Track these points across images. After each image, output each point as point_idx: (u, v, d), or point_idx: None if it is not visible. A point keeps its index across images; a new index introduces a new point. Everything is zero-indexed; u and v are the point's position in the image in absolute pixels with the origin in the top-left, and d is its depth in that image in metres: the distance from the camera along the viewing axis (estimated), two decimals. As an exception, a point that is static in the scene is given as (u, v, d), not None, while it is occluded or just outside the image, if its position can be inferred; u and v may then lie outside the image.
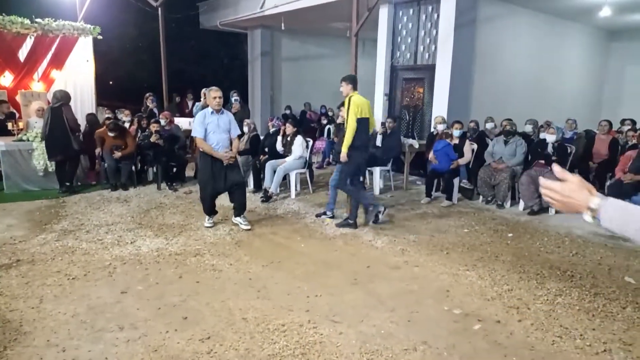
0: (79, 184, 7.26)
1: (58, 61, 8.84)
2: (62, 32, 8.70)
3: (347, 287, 3.83)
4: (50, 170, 6.90)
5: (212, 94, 5.15)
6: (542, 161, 6.14)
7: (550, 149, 6.17)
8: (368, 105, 5.33)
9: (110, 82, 15.06)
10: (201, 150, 5.17)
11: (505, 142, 6.54)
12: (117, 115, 8.51)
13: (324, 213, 5.87)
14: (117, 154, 6.96)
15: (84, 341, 2.91)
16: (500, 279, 4.03)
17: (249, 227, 5.30)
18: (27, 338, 2.93)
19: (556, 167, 1.33)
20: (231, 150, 5.27)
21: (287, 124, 7.12)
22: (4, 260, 4.21)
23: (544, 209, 6.14)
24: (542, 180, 1.32)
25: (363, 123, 5.16)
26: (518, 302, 3.59)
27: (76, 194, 6.82)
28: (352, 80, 5.40)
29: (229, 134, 5.26)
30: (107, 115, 8.40)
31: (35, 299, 3.46)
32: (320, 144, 9.84)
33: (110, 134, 7.01)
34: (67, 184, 6.83)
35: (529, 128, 7.32)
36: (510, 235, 5.30)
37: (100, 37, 9.24)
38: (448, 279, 4.04)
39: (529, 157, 6.44)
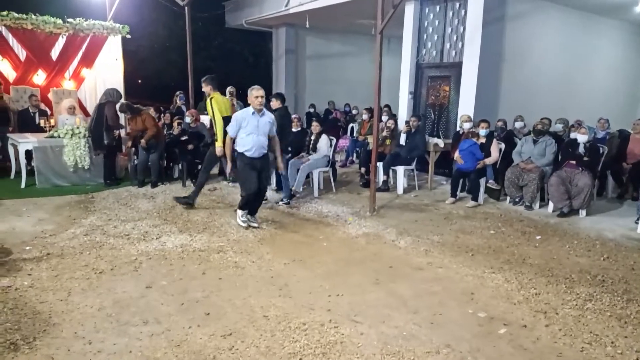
0: (119, 178, 7.56)
1: (88, 60, 9.07)
2: (92, 32, 8.93)
3: (369, 287, 3.80)
4: (80, 166, 7.07)
5: (254, 93, 4.94)
6: (573, 162, 5.96)
7: (581, 149, 5.98)
8: (229, 103, 6.07)
9: (139, 81, 15.37)
10: (239, 150, 5.06)
11: (535, 142, 6.38)
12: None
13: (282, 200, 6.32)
14: (143, 142, 7.01)
15: (109, 334, 2.97)
16: (528, 283, 3.92)
17: (256, 225, 5.29)
18: (55, 329, 3.00)
19: None
20: (273, 153, 5.34)
21: (313, 123, 7.10)
22: (35, 253, 4.34)
23: (574, 210, 5.96)
24: None
25: (226, 121, 5.51)
26: (546, 307, 3.49)
27: (117, 187, 7.13)
28: (212, 81, 5.80)
29: (268, 135, 5.15)
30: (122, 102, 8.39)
31: (64, 292, 3.55)
32: (344, 143, 9.80)
33: (126, 115, 7.09)
34: (111, 178, 7.28)
35: (559, 127, 7.11)
36: (538, 237, 5.16)
37: (129, 36, 9.43)
38: (473, 281, 3.96)
39: (559, 158, 6.26)
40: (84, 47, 8.94)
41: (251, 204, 5.30)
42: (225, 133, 5.35)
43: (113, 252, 4.45)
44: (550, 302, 3.57)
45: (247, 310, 3.34)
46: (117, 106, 7.20)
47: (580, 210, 5.94)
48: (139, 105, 7.65)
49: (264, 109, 5.07)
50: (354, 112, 11.28)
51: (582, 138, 5.99)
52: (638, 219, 5.46)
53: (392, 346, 2.91)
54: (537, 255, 4.61)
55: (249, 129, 4.97)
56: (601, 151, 6.17)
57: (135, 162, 7.29)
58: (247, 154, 5.02)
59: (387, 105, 9.91)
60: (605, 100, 10.20)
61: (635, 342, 3.00)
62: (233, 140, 5.11)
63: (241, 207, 5.29)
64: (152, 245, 4.67)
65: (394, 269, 4.21)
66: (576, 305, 3.52)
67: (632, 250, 4.76)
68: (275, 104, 6.41)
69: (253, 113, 4.97)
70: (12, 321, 3.08)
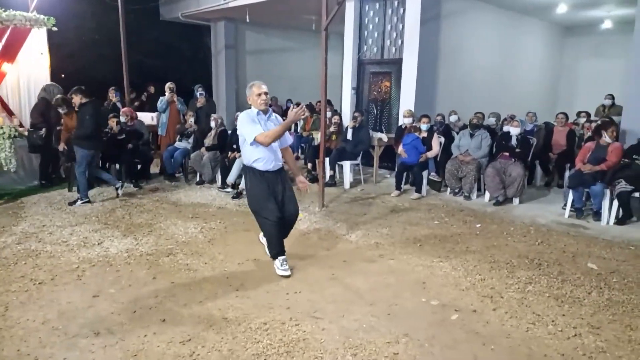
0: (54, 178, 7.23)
1: (10, 54, 8.34)
2: (12, 23, 8.22)
3: (326, 283, 3.84)
4: (5, 169, 6.54)
5: (255, 90, 3.76)
6: (507, 153, 6.34)
7: (514, 141, 6.38)
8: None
9: (63, 75, 14.39)
10: (246, 164, 3.90)
11: (471, 135, 6.72)
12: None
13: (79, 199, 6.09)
14: (62, 145, 6.64)
15: (58, 349, 2.79)
16: (473, 269, 4.15)
17: (288, 274, 3.92)
18: (-6, 349, 2.77)
19: None
20: (288, 164, 4.15)
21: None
22: (-39, 267, 3.97)
23: (508, 199, 6.36)
24: None
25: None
26: (491, 292, 3.71)
27: (49, 190, 6.77)
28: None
29: (279, 143, 3.92)
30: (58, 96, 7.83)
31: (0, 307, 3.28)
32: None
33: (61, 111, 6.62)
34: (46, 178, 7.01)
35: (492, 121, 7.55)
36: (478, 225, 5.46)
37: (55, 28, 8.80)
38: (423, 271, 4.12)
39: (494, 150, 6.65)
40: (3, 39, 8.22)
41: (277, 236, 3.90)
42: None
43: (52, 260, 4.17)
44: (495, 287, 3.80)
45: (205, 314, 3.26)
46: (53, 100, 6.73)
47: (514, 199, 6.35)
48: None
49: (270, 110, 3.93)
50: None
51: (514, 131, 6.39)
52: (564, 205, 5.92)
53: (353, 339, 2.96)
54: (479, 243, 4.88)
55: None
56: (531, 142, 6.61)
57: (67, 163, 6.84)
58: (258, 166, 3.81)
59: (328, 101, 10.00)
60: (530, 95, 10.96)
61: (572, 320, 3.27)
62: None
63: (273, 254, 3.97)
64: (95, 251, 4.43)
65: (348, 263, 4.28)
66: (518, 288, 3.77)
67: (562, 234, 5.17)
68: (77, 99, 6.04)
69: (258, 114, 3.79)
70: (-58, 343, 2.81)
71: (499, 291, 3.72)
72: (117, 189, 6.42)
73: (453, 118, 8.05)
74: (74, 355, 2.73)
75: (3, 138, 6.46)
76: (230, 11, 10.95)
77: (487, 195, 6.51)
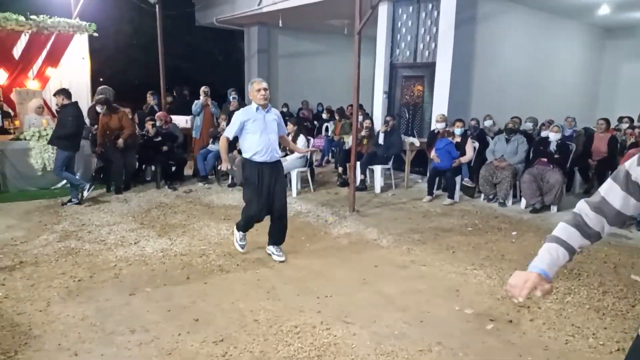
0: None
1: (53, 59, 8.72)
2: (57, 29, 8.57)
3: (357, 287, 3.82)
4: (48, 169, 6.79)
5: (256, 86, 4.07)
6: (545, 159, 6.16)
7: (552, 147, 6.19)
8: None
9: (101, 79, 14.90)
10: (246, 157, 4.21)
11: (507, 140, 6.56)
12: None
13: (70, 200, 6.19)
14: (120, 142, 6.74)
15: (96, 344, 2.87)
16: (509, 278, 4.02)
17: (283, 259, 4.32)
18: (37, 342, 2.88)
19: None
20: (292, 152, 4.60)
21: (288, 123, 7.07)
22: (6, 262, 4.14)
23: (545, 206, 6.17)
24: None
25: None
26: (528, 302, 3.60)
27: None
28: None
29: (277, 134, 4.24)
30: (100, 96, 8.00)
31: (43, 302, 3.41)
32: (319, 142, 9.81)
33: (99, 110, 6.83)
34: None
35: (529, 126, 7.36)
36: (514, 233, 5.32)
37: (96, 34, 9.12)
38: (457, 278, 4.04)
39: (531, 155, 6.47)
40: (48, 45, 8.58)
41: (251, 224, 4.35)
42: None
43: (90, 258, 4.30)
44: (532, 297, 3.65)
45: (237, 315, 3.29)
46: (96, 98, 6.97)
47: (551, 206, 6.15)
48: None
49: (270, 105, 4.23)
50: (324, 115, 11.09)
51: (554, 136, 6.20)
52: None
53: (385, 346, 2.93)
54: (515, 251, 4.75)
55: (255, 128, 4.07)
56: (570, 148, 6.40)
57: (101, 164, 7.05)
58: (257, 158, 4.11)
59: (359, 105, 9.97)
60: (568, 99, 10.61)
61: (615, 333, 3.13)
62: (228, 142, 4.27)
63: (238, 227, 4.39)
64: (131, 250, 4.55)
65: (379, 268, 4.25)
66: (556, 299, 3.65)
67: (602, 244, 4.97)
68: (59, 100, 6.14)
69: (257, 109, 4.12)
70: (-11, 335, 2.94)
71: (536, 301, 3.60)
72: (82, 191, 6.27)
73: (488, 123, 7.87)
74: (110, 352, 2.80)
75: (46, 139, 6.71)
76: (264, 16, 11.09)
77: (523, 202, 6.33)
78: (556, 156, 6.11)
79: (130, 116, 7.38)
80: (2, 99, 8.00)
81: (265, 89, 4.07)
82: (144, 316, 3.25)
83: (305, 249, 4.73)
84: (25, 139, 6.67)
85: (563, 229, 1.55)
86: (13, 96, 8.25)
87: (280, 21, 10.76)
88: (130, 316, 3.24)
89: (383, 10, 8.68)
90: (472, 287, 3.86)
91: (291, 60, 13.26)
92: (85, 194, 6.30)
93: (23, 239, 4.80)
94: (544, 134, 6.65)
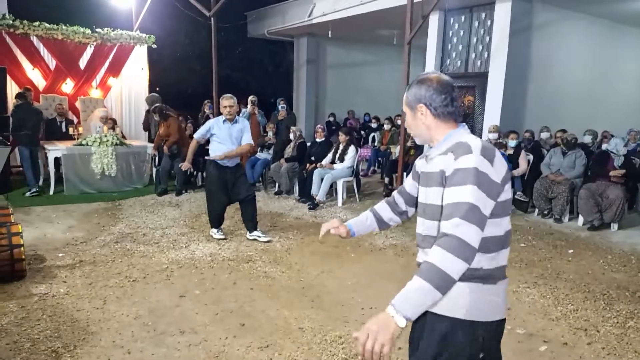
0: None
1: (115, 69, 9.24)
2: (119, 41, 9.09)
3: (402, 300, 3.75)
4: (107, 173, 7.17)
5: (224, 103, 4.86)
6: (615, 173, 5.80)
7: (618, 162, 5.86)
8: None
9: (157, 89, 15.60)
10: (211, 158, 4.95)
11: (564, 154, 6.28)
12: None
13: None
14: (165, 148, 7.11)
15: (147, 344, 2.98)
16: (564, 298, 3.84)
17: (268, 239, 5.07)
18: (94, 338, 3.02)
19: None
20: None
21: (340, 133, 7.10)
22: (68, 261, 4.39)
23: (605, 224, 5.83)
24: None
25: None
26: (585, 324, 3.41)
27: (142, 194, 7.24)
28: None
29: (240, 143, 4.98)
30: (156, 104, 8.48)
31: (99, 300, 3.58)
32: (366, 152, 9.78)
33: (156, 119, 7.21)
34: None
35: (588, 139, 6.99)
36: (570, 251, 5.06)
37: (154, 45, 9.58)
38: (508, 296, 3.86)
39: (589, 170, 6.15)
40: (111, 56, 9.11)
41: (214, 215, 5.15)
42: None
43: (144, 260, 4.48)
44: (590, 319, 3.48)
45: (282, 322, 3.32)
46: (152, 108, 7.36)
47: (612, 224, 5.82)
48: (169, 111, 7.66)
49: (238, 117, 5.07)
50: (372, 124, 11.07)
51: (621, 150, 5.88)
52: (673, 234, 5.32)
53: (431, 362, 2.85)
54: (571, 270, 4.51)
55: (220, 137, 4.89)
56: (634, 163, 6.03)
57: (159, 168, 7.38)
58: (218, 162, 4.93)
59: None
60: (630, 111, 10.03)
61: (684, 363, 2.90)
62: (198, 144, 5.19)
63: (212, 223, 5.17)
64: (182, 253, 4.70)
65: (426, 281, 4.15)
66: (617, 323, 3.43)
67: (669, 266, 4.64)
68: (14, 101, 6.90)
69: (224, 121, 4.91)
70: (51, 328, 3.11)
71: (594, 324, 3.40)
72: (28, 190, 6.87)
73: (545, 135, 7.52)
74: (161, 352, 2.90)
75: (107, 145, 7.10)
76: (314, 27, 11.26)
77: (581, 218, 6.02)
78: (622, 171, 5.76)
79: (180, 124, 7.66)
80: (67, 107, 8.54)
81: (231, 106, 4.86)
82: (193, 318, 3.34)
83: (350, 259, 4.71)
84: (87, 145, 7.07)
85: (379, 203, 1.97)
86: (77, 104, 8.81)
87: (329, 32, 10.88)
88: (180, 318, 3.35)
89: (434, 20, 8.59)
90: (525, 306, 3.70)
91: (339, 70, 13.36)
92: (28, 194, 6.84)
93: (83, 239, 5.07)
94: (604, 147, 6.30)
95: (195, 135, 5.06)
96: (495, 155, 1.49)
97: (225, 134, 4.89)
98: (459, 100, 8.59)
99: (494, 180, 1.44)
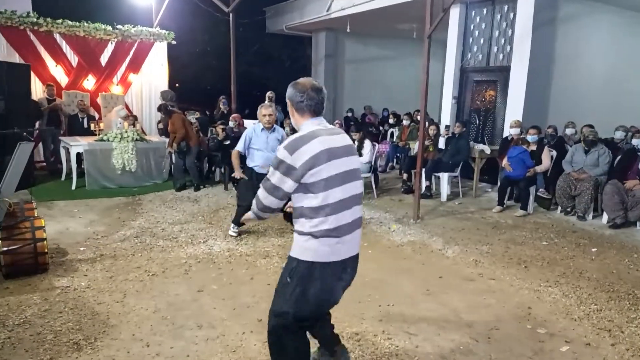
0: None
1: (135, 65, 9.34)
2: (139, 38, 9.19)
3: (420, 298, 3.72)
4: (127, 169, 7.27)
5: (262, 112, 4.93)
6: (630, 186, 5.61)
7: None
8: None
9: (177, 85, 15.74)
10: (257, 171, 4.99)
11: (586, 151, 6.12)
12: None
13: None
14: (174, 146, 7.12)
15: (166, 337, 3.01)
16: (587, 298, 3.74)
17: (234, 234, 5.15)
18: (114, 331, 3.07)
19: None
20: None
21: (352, 132, 7.05)
22: (89, 254, 4.47)
23: (630, 222, 5.67)
24: None
25: None
26: (609, 324, 3.32)
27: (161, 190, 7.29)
28: None
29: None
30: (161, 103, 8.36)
31: (119, 294, 3.63)
32: (384, 148, 9.70)
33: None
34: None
35: (620, 135, 6.76)
36: (594, 250, 4.93)
37: (174, 42, 9.66)
38: (529, 294, 3.81)
39: (614, 166, 5.98)
40: (131, 52, 9.22)
41: (241, 215, 5.04)
42: None
43: (163, 254, 4.53)
44: (614, 320, 3.39)
45: (299, 318, 3.31)
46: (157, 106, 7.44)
47: (638, 222, 5.65)
48: (174, 108, 7.65)
49: (275, 126, 5.07)
50: (390, 119, 10.97)
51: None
52: (703, 233, 5.14)
53: (449, 361, 2.82)
54: (595, 269, 4.40)
55: (257, 145, 4.98)
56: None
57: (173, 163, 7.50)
58: (255, 169, 5.01)
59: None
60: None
61: None
62: (240, 155, 5.14)
63: (234, 221, 5.17)
64: (200, 248, 4.73)
65: (444, 279, 4.11)
66: (643, 324, 3.33)
67: (699, 266, 4.49)
68: None
69: (262, 130, 4.97)
70: (73, 321, 3.17)
71: (618, 324, 3.31)
72: None
73: (569, 131, 7.21)
74: (179, 345, 2.92)
75: (127, 141, 7.19)
76: (332, 22, 11.20)
77: (605, 216, 5.87)
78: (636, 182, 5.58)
79: (184, 120, 7.63)
80: (89, 103, 8.68)
81: (270, 115, 4.91)
82: (211, 313, 3.37)
83: (368, 255, 4.68)
84: (109, 140, 7.18)
85: None
86: (99, 100, 8.94)
87: (348, 26, 10.81)
88: (198, 312, 3.37)
89: (455, 13, 8.44)
90: (546, 305, 3.62)
91: (357, 65, 13.27)
92: None
93: (103, 233, 5.15)
94: (635, 142, 6.10)
95: (237, 148, 5.11)
96: (300, 147, 1.98)
97: (263, 142, 4.97)
98: (480, 95, 8.52)
99: (291, 165, 1.99)
